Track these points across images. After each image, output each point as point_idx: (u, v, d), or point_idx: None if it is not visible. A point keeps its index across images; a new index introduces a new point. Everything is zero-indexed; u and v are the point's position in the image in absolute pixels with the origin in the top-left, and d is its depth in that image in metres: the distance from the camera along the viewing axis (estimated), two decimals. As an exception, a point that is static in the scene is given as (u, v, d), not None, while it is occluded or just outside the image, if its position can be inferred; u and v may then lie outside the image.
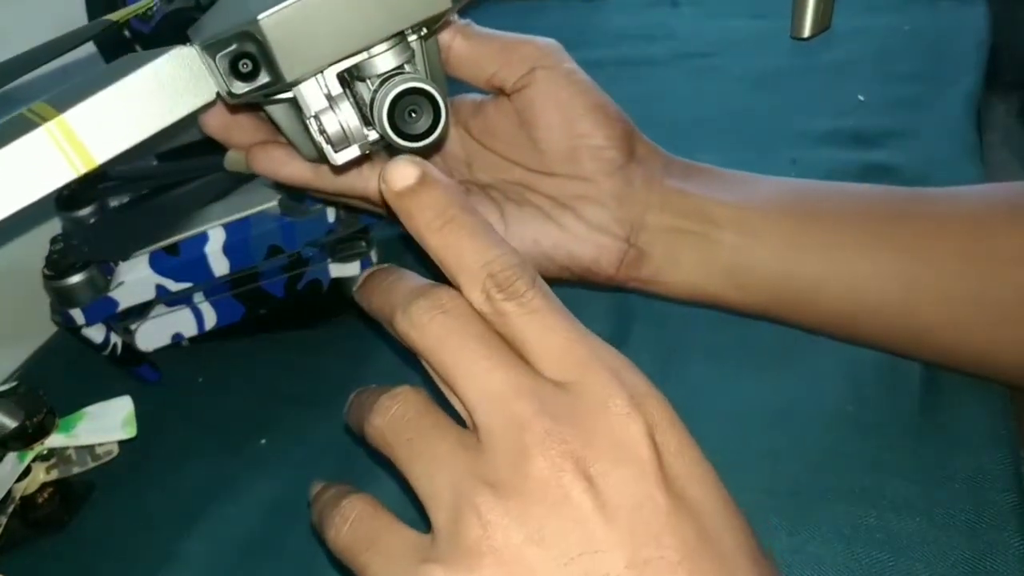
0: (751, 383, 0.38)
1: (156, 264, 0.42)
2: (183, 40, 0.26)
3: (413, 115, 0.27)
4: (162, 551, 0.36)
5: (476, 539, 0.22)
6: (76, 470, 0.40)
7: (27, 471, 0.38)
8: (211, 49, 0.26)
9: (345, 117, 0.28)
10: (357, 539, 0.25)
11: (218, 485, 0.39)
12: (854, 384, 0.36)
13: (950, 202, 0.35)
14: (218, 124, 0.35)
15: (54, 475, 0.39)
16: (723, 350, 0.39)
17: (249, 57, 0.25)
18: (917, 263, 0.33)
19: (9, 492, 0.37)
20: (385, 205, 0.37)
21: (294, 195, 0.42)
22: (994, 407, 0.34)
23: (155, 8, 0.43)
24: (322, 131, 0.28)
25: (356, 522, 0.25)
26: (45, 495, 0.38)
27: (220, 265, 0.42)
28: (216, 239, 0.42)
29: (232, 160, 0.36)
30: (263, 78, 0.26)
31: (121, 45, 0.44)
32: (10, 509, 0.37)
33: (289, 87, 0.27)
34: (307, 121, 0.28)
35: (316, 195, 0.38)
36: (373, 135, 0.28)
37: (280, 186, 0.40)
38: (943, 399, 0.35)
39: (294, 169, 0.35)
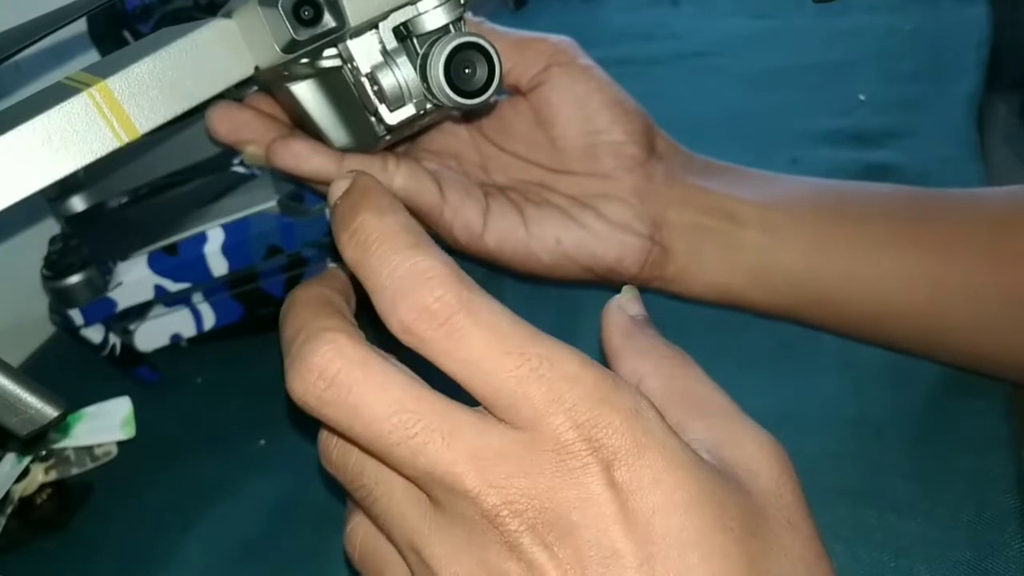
0: (751, 383, 0.38)
1: (155, 264, 0.41)
2: None
3: (467, 71, 0.27)
4: (161, 552, 0.36)
5: None
6: (75, 471, 0.40)
7: (26, 472, 0.38)
8: None
9: (404, 72, 0.28)
10: (365, 566, 0.24)
11: (217, 485, 0.38)
12: (855, 385, 0.36)
13: (973, 203, 0.35)
14: (228, 127, 0.35)
15: (53, 476, 0.39)
16: (723, 350, 0.39)
17: (311, 3, 0.25)
18: (943, 263, 0.33)
19: (8, 493, 0.37)
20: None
21: (294, 194, 0.42)
22: (996, 408, 0.34)
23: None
24: (377, 89, 0.28)
25: (363, 551, 0.24)
26: (44, 496, 0.38)
27: (219, 265, 0.42)
28: (215, 239, 0.42)
29: (252, 155, 0.36)
30: (326, 24, 0.26)
31: (118, 40, 0.44)
32: (9, 510, 0.37)
33: (349, 35, 0.27)
34: (360, 80, 0.28)
35: None
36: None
37: (290, 181, 0.40)
38: (945, 400, 0.35)
39: (316, 163, 0.34)
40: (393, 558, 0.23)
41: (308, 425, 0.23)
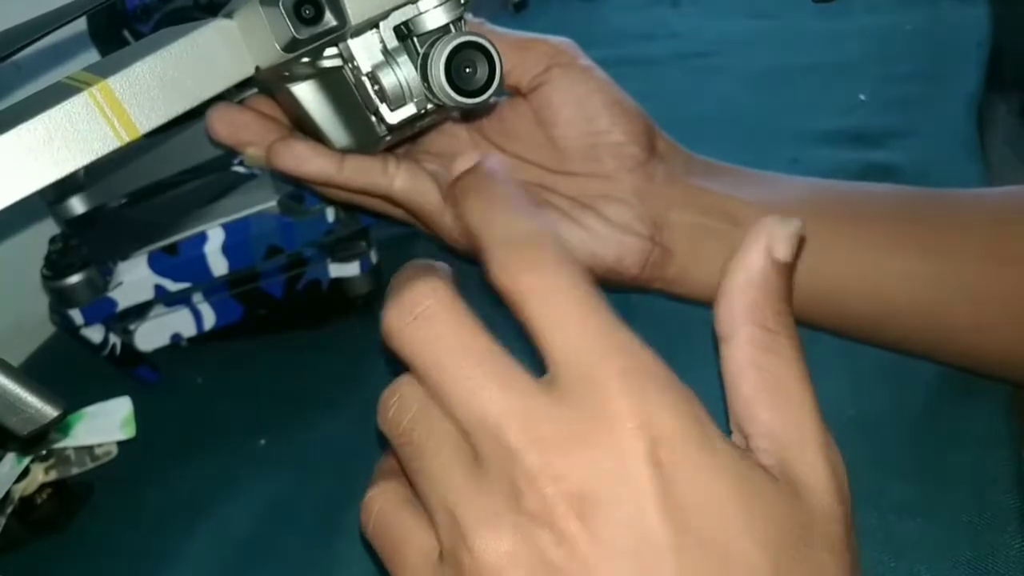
0: (752, 383, 0.38)
1: (155, 264, 0.41)
2: None
3: (468, 70, 0.27)
4: (161, 552, 0.36)
5: None
6: (75, 471, 0.40)
7: (26, 472, 0.38)
8: None
9: (404, 71, 0.28)
10: (379, 539, 0.24)
11: (218, 485, 0.38)
12: (855, 385, 0.36)
13: (973, 203, 0.35)
14: (228, 128, 0.35)
15: (53, 476, 0.39)
16: (723, 350, 0.39)
17: (312, 2, 0.25)
18: (943, 264, 0.33)
19: (8, 493, 0.37)
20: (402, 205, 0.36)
21: (294, 194, 0.42)
22: (996, 408, 0.34)
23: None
24: (378, 88, 0.28)
25: (378, 521, 0.24)
26: (44, 496, 0.38)
27: (219, 265, 0.42)
28: (215, 239, 0.42)
29: (252, 157, 0.36)
30: (327, 22, 0.26)
31: (118, 39, 0.44)
32: (9, 510, 0.37)
33: (350, 34, 0.27)
34: (361, 79, 0.28)
35: (331, 195, 0.37)
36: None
37: (290, 182, 0.40)
38: (945, 400, 0.35)
39: (317, 164, 0.34)
40: (410, 532, 0.23)
41: (397, 367, 0.24)
